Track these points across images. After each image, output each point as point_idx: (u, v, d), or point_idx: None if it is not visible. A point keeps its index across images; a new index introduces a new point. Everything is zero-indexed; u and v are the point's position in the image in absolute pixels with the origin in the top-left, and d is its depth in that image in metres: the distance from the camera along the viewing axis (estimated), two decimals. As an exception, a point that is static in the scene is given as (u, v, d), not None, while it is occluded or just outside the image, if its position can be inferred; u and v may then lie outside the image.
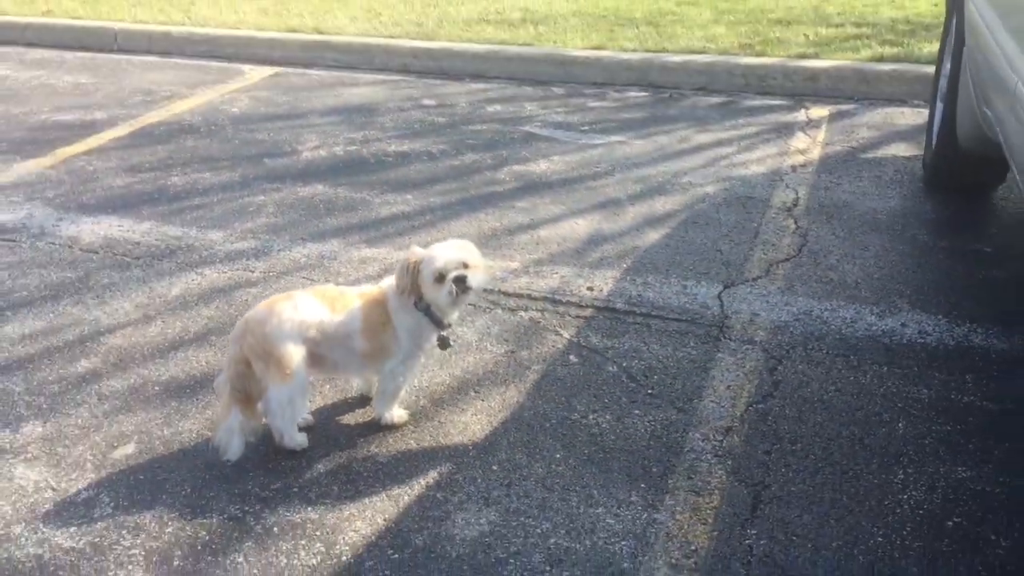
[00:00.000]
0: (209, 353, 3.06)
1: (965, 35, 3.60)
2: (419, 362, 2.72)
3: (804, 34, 6.41)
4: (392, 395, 2.66)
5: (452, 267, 2.47)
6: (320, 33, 6.97)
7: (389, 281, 2.63)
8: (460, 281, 2.47)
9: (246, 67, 6.76)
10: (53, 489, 2.44)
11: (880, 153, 4.76)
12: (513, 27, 6.99)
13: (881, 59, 5.77)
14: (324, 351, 2.55)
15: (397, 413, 2.69)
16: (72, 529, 2.30)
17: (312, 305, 2.53)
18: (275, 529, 2.29)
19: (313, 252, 3.74)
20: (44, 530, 2.29)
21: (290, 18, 7.42)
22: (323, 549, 2.22)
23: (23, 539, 2.26)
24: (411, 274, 2.51)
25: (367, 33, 6.91)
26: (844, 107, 5.49)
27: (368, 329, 2.55)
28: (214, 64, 6.88)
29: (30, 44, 7.57)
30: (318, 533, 2.27)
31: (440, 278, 2.48)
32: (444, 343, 2.68)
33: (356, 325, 2.55)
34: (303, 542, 2.24)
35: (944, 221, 3.96)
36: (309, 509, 2.35)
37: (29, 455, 2.57)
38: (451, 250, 2.52)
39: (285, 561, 2.18)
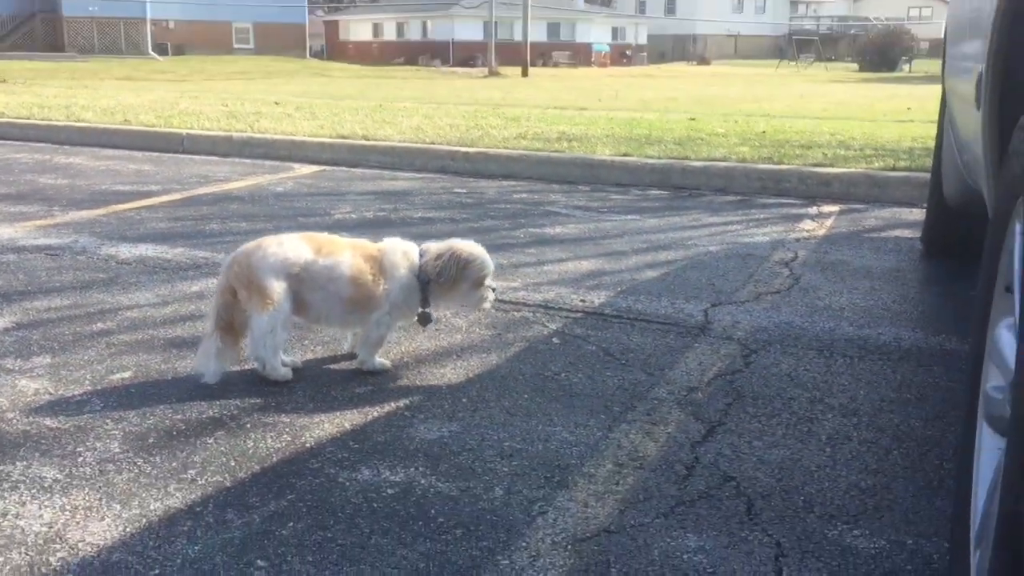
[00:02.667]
0: (216, 322, 3.26)
1: (944, 91, 3.85)
2: (397, 323, 2.88)
3: (823, 153, 6.73)
4: (376, 343, 2.82)
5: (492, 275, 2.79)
6: (367, 140, 7.50)
7: (391, 242, 2.83)
8: (493, 291, 2.80)
9: (296, 165, 7.27)
10: (50, 394, 2.61)
11: (883, 234, 4.93)
12: (548, 142, 7.45)
13: (893, 169, 6.03)
14: (306, 293, 2.70)
15: (379, 361, 2.84)
16: (61, 417, 2.46)
17: (298, 245, 2.72)
18: (247, 425, 2.42)
19: (328, 270, 3.99)
20: (35, 417, 2.45)
21: (342, 129, 8.01)
22: (289, 439, 2.34)
23: (15, 421, 2.42)
24: (458, 268, 2.73)
25: (411, 140, 7.42)
26: (855, 206, 5.71)
27: (356, 278, 2.72)
28: (268, 163, 7.41)
29: (104, 146, 8.24)
30: (287, 429, 2.40)
31: (480, 282, 2.74)
32: (425, 319, 2.85)
33: (343, 272, 2.71)
34: (271, 433, 2.37)
35: (935, 275, 4.08)
36: (282, 415, 2.49)
37: (34, 374, 2.76)
38: (490, 259, 2.80)
39: (252, 445, 2.30)
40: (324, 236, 2.85)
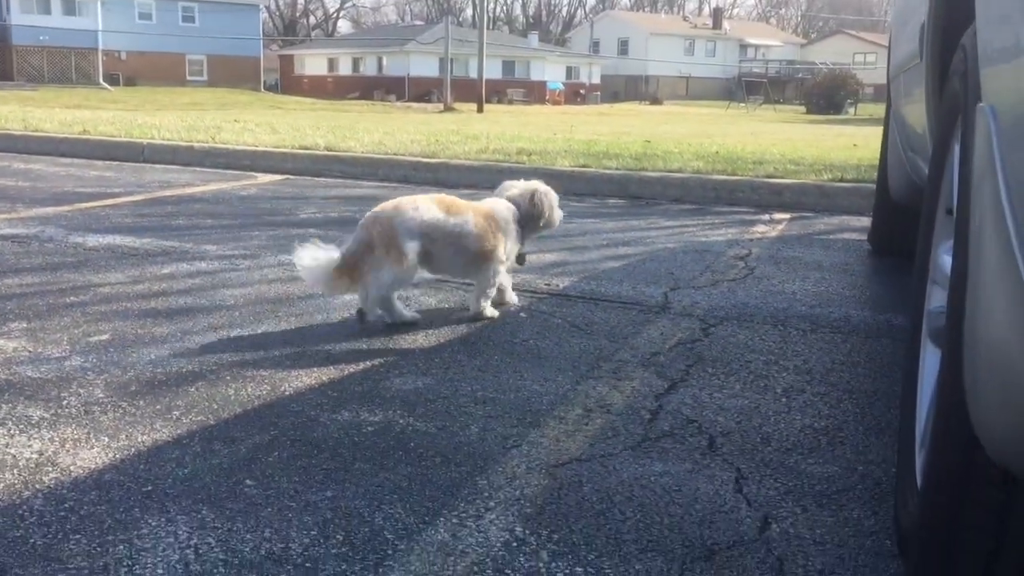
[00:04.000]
0: (190, 300, 3.32)
1: (889, 91, 4.07)
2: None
3: (774, 167, 6.97)
4: (488, 292, 3.16)
5: None
6: (330, 150, 7.60)
7: (494, 201, 3.21)
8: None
9: (259, 174, 7.33)
10: (29, 352, 2.66)
11: (832, 237, 5.14)
12: (509, 155, 7.61)
13: (841, 180, 6.27)
14: (436, 250, 3.01)
15: (490, 309, 3.19)
16: (43, 368, 2.51)
17: (432, 208, 2.99)
18: (227, 377, 2.49)
19: (297, 258, 4.06)
20: (15, 368, 2.50)
21: (304, 142, 8.09)
22: (269, 388, 2.42)
23: (-5, 372, 2.47)
24: (547, 202, 3.26)
25: (374, 152, 7.53)
26: (805, 214, 5.93)
27: (480, 234, 3.05)
28: (230, 172, 7.46)
29: (64, 155, 8.23)
30: (266, 381, 2.47)
31: (555, 205, 3.32)
32: (522, 259, 3.34)
33: (471, 230, 3.03)
34: (251, 384, 2.44)
35: (882, 268, 4.28)
36: (260, 370, 2.56)
37: (11, 335, 2.80)
38: None
39: (233, 392, 2.37)
40: (449, 198, 3.12)
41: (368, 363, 2.66)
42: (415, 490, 1.86)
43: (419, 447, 2.07)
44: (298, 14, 77.41)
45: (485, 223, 3.07)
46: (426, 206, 2.97)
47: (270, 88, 53.50)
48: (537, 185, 3.29)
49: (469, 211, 3.06)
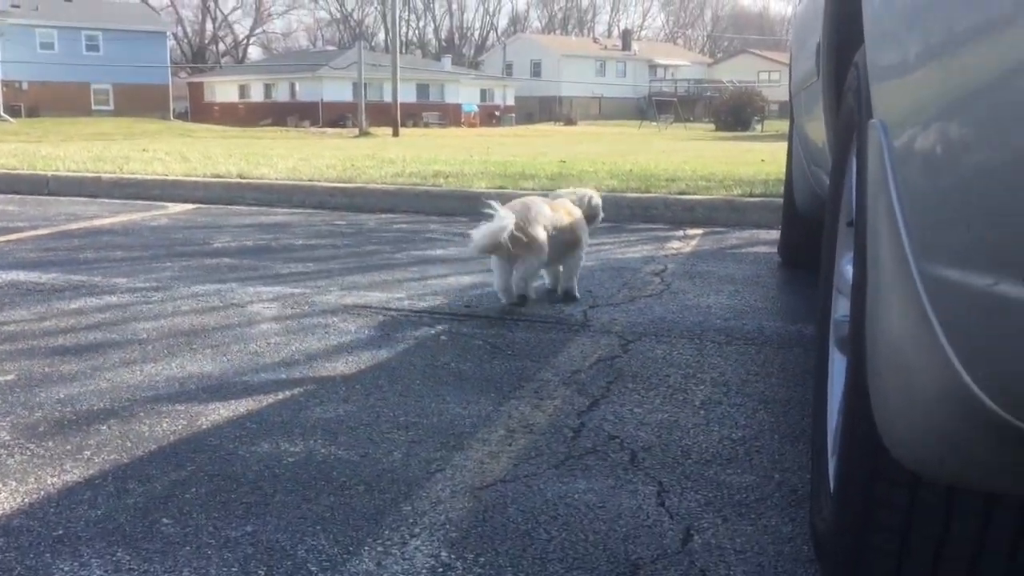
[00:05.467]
0: (99, 335, 3.23)
1: (792, 108, 4.21)
2: None
3: (686, 184, 7.12)
4: (578, 274, 3.85)
5: None
6: (243, 178, 7.49)
7: (566, 202, 3.82)
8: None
9: (170, 204, 7.18)
10: (-72, 396, 2.54)
11: (744, 250, 5.27)
12: (425, 178, 7.61)
13: (750, 195, 6.44)
14: (551, 241, 3.55)
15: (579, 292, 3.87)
16: (-58, 413, 2.40)
17: (548, 208, 3.63)
18: (140, 413, 2.43)
19: (211, 289, 3.98)
20: (-86, 414, 2.39)
21: (216, 170, 7.96)
22: (185, 423, 2.36)
23: None
24: (599, 203, 3.98)
25: (288, 178, 7.45)
26: (717, 229, 6.07)
27: (575, 227, 3.72)
28: (140, 202, 7.29)
29: (-38, 190, 7.93)
30: (182, 416, 2.42)
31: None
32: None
33: (568, 223, 3.68)
34: (166, 420, 2.39)
35: (792, 279, 4.40)
36: (175, 404, 2.50)
37: (-92, 380, 2.69)
38: None
39: (147, 429, 2.31)
40: (548, 199, 3.80)
41: (287, 393, 2.62)
42: (338, 520, 1.84)
43: (342, 476, 2.05)
44: (207, 41, 76.30)
45: (574, 219, 3.74)
46: (546, 206, 3.63)
47: (180, 116, 52.53)
48: (590, 191, 4.02)
49: (562, 209, 3.72)
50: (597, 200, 3.96)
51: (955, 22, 0.98)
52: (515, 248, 3.43)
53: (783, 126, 27.59)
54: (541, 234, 3.48)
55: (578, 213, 3.78)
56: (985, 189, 0.90)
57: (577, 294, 3.82)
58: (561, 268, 3.81)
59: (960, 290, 0.92)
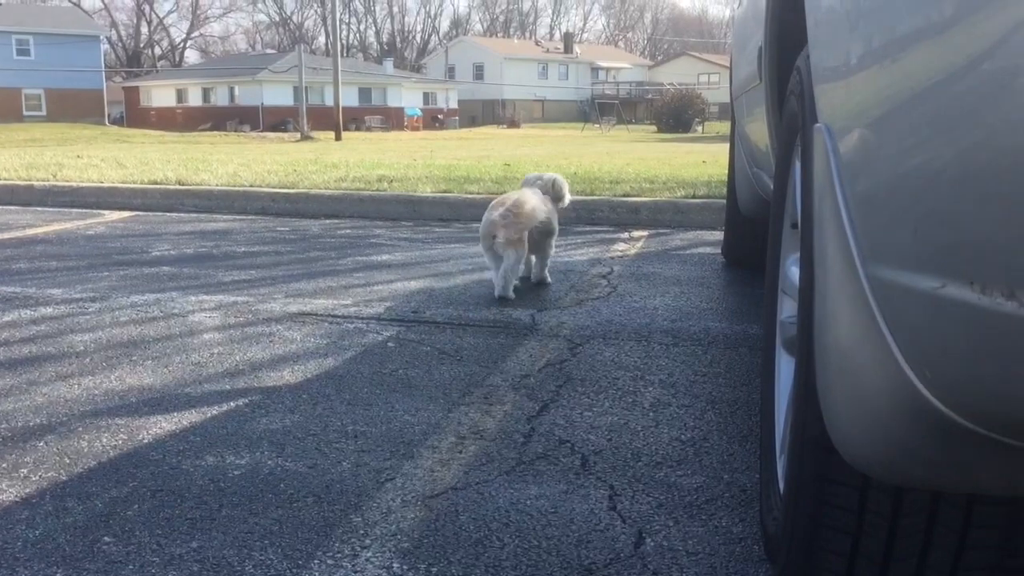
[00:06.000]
0: (34, 348, 3.14)
1: (733, 110, 4.25)
2: None
3: (631, 186, 7.17)
4: (549, 261, 4.23)
5: None
6: (182, 184, 7.35)
7: (532, 191, 4.05)
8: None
9: (106, 212, 7.03)
10: None
11: (688, 252, 5.32)
12: (369, 183, 7.55)
13: (694, 196, 6.51)
14: (529, 235, 3.88)
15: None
16: None
17: (531, 202, 3.88)
18: (79, 428, 2.36)
19: (150, 298, 3.90)
20: None
21: (154, 176, 7.81)
22: (125, 437, 2.30)
23: None
24: (564, 186, 4.26)
25: (229, 184, 7.34)
26: (662, 230, 6.12)
27: (551, 218, 4.04)
28: (75, 210, 7.12)
29: None
30: (123, 430, 2.36)
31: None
32: None
33: (547, 215, 4.00)
34: (106, 434, 2.32)
35: (736, 280, 4.45)
36: (116, 419, 2.44)
37: None
38: None
39: (86, 445, 2.25)
40: (529, 192, 4.03)
41: (232, 404, 2.57)
42: (287, 533, 1.80)
43: (289, 488, 2.01)
44: (142, 44, 74.90)
45: (550, 209, 4.06)
46: (530, 203, 3.89)
47: (115, 121, 51.47)
48: (555, 175, 4.35)
49: (536, 198, 3.97)
50: (561, 182, 4.29)
51: (898, 24, 0.99)
52: (502, 244, 3.81)
53: (723, 128, 27.92)
54: (523, 235, 3.82)
55: (550, 204, 4.10)
56: (930, 192, 0.90)
57: (549, 280, 4.21)
58: (535, 258, 4.16)
59: (907, 293, 0.93)
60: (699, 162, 11.37)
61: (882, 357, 0.99)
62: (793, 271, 1.78)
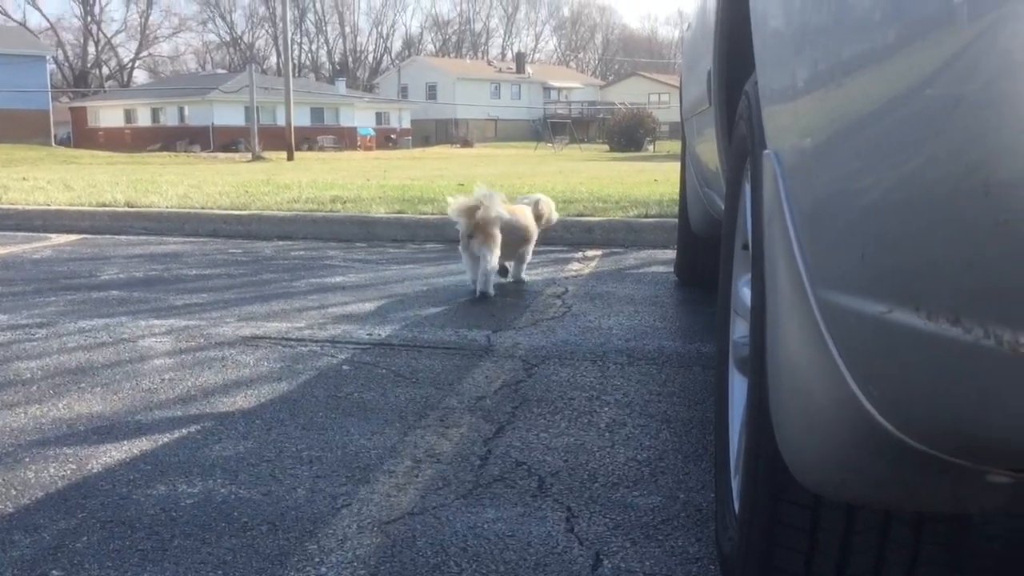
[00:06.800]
0: (-22, 374, 3.07)
1: (684, 131, 4.31)
2: None
3: (584, 206, 7.22)
4: (526, 265, 4.81)
5: None
6: (131, 207, 7.25)
7: (522, 204, 4.72)
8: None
9: (53, 235, 6.90)
10: None
11: (642, 271, 5.36)
12: (323, 204, 7.51)
13: (646, 216, 6.57)
14: (507, 238, 4.32)
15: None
16: None
17: (505, 208, 4.29)
18: (25, 459, 2.31)
19: (99, 324, 3.83)
20: None
21: (102, 199, 7.69)
22: (74, 467, 2.26)
23: None
24: (545, 207, 4.82)
25: (179, 206, 7.25)
26: (615, 250, 6.16)
27: (528, 227, 4.60)
28: (20, 234, 6.98)
29: None
30: (71, 459, 2.31)
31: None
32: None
33: (524, 223, 4.55)
34: (54, 464, 2.28)
35: (688, 298, 4.49)
36: (64, 448, 2.39)
37: None
38: None
39: (33, 475, 2.20)
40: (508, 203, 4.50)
41: (184, 431, 2.53)
42: (241, 563, 1.78)
43: (243, 516, 1.98)
44: (89, 65, 73.86)
45: (528, 218, 4.57)
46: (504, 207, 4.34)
47: (62, 142, 50.55)
48: (540, 196, 4.92)
49: (519, 212, 4.52)
50: (544, 202, 4.84)
51: (842, 50, 1.01)
52: (476, 238, 4.20)
53: (674, 146, 28.21)
54: (496, 233, 4.22)
55: (530, 214, 4.63)
56: (876, 217, 0.93)
57: (525, 277, 4.81)
58: (514, 261, 4.72)
59: (855, 316, 0.95)
60: (651, 181, 11.48)
61: (832, 378, 1.01)
62: (745, 292, 1.80)
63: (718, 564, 1.76)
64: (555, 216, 4.95)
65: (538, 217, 4.73)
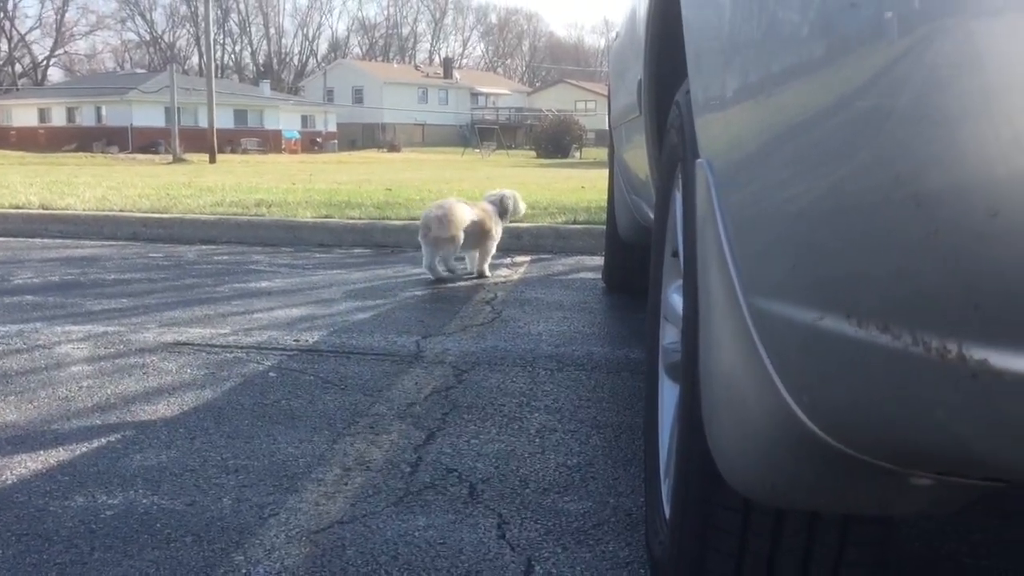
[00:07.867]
0: None
1: (612, 138, 4.35)
2: None
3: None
4: (489, 259, 5.17)
5: None
6: (46, 209, 7.03)
7: (486, 203, 5.13)
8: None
9: (-37, 237, 6.65)
10: None
11: (570, 277, 5.40)
12: (247, 208, 7.38)
13: (574, 222, 6.61)
14: (468, 232, 4.85)
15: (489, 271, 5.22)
16: None
17: (466, 208, 4.87)
18: (-66, 471, 2.21)
19: (12, 330, 3.70)
20: None
21: (15, 200, 7.44)
22: (-14, 479, 2.17)
23: None
24: (513, 201, 5.22)
25: (97, 209, 7.05)
26: (543, 256, 6.19)
27: (488, 222, 4.99)
28: (-73, 236, 6.72)
29: None
30: (-18, 471, 2.22)
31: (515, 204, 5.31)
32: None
33: (484, 218, 4.97)
34: (-36, 476, 2.18)
35: (616, 304, 4.54)
36: (-25, 459, 2.30)
37: None
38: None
39: (-59, 488, 2.11)
40: (468, 202, 5.04)
41: (103, 440, 2.46)
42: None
43: (167, 528, 1.93)
44: (1, 62, 71.44)
45: (487, 216, 4.96)
46: (465, 207, 4.88)
47: (-29, 142, 48.80)
48: (505, 191, 5.28)
49: (479, 208, 4.97)
50: (509, 196, 5.21)
51: (773, 60, 1.03)
52: (438, 241, 4.76)
53: (600, 153, 28.47)
54: (457, 232, 4.72)
55: (492, 210, 5.01)
56: (806, 226, 0.94)
57: (488, 273, 5.16)
58: (477, 253, 5.07)
59: (787, 324, 0.96)
60: (578, 187, 11.57)
61: (763, 385, 1.02)
62: (675, 298, 1.83)
63: (649, 568, 1.77)
64: (522, 206, 5.33)
65: (503, 212, 5.13)
